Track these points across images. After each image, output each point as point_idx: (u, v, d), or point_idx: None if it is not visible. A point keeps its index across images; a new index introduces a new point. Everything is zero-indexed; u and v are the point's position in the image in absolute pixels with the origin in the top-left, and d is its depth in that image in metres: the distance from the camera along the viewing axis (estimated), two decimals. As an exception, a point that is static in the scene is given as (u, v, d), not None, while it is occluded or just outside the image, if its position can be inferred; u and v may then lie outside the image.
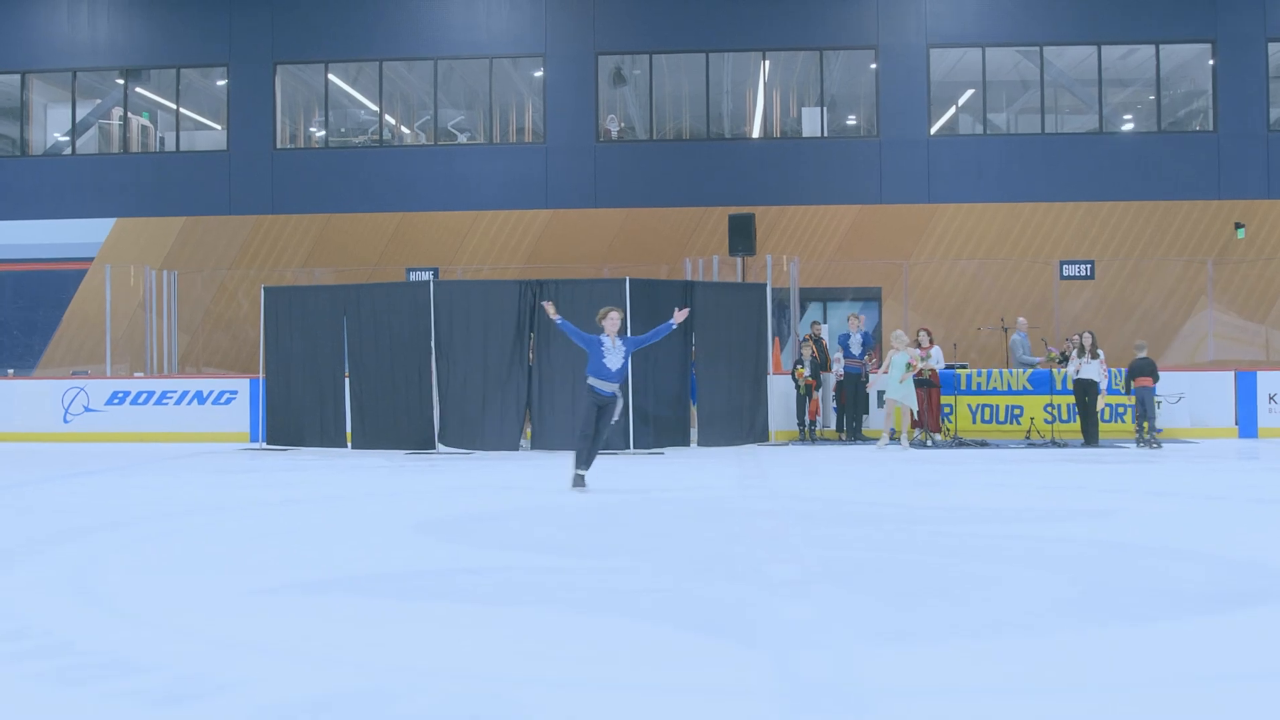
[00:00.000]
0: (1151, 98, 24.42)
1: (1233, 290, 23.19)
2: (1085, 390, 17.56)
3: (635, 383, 16.69)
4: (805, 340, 19.18)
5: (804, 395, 18.77)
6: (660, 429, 17.27)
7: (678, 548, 7.88)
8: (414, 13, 24.70)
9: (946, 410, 18.41)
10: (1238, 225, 22.91)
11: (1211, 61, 23.91)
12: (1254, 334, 23.04)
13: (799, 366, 18.71)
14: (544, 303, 12.28)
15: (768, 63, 24.74)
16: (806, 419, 18.77)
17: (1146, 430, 17.23)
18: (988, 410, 18.76)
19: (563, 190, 24.37)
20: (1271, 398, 19.01)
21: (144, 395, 20.44)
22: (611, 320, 11.58)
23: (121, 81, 25.63)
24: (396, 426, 17.45)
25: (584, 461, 11.36)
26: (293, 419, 18.10)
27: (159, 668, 4.69)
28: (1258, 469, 14.39)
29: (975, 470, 13.80)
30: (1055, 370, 18.57)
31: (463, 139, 25.50)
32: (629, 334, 15.26)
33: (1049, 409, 18.38)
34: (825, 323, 21.76)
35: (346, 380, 17.85)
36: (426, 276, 20.35)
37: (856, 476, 13.18)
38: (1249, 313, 23.18)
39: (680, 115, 25.66)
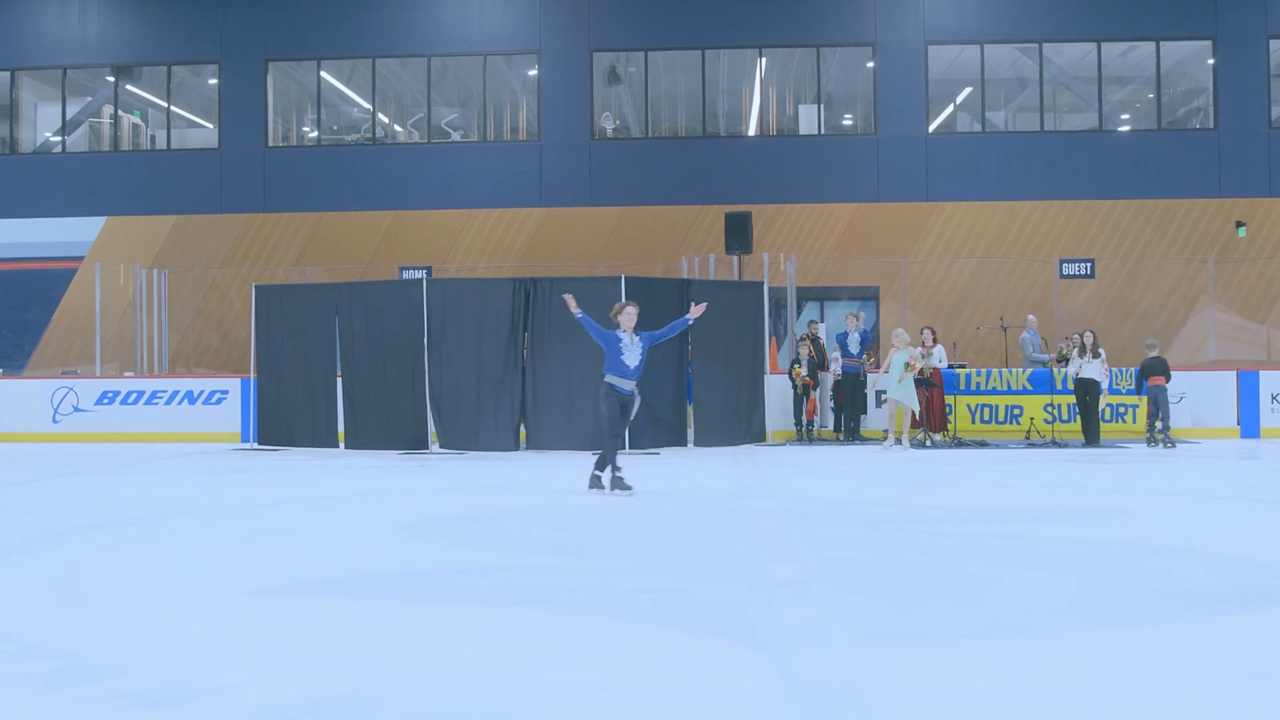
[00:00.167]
0: (1151, 95, 24.32)
1: (1233, 289, 23.08)
2: (1086, 390, 17.44)
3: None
4: (802, 339, 19.04)
5: (801, 395, 18.62)
6: (656, 429, 17.11)
7: (677, 548, 7.81)
8: (407, 9, 24.54)
9: (948, 408, 18.28)
10: (1239, 224, 22.82)
11: (1212, 59, 23.80)
12: (1255, 334, 22.93)
13: (796, 366, 18.56)
14: (565, 295, 11.79)
15: (764, 60, 24.61)
16: (804, 419, 18.63)
17: (1158, 431, 17.17)
18: (987, 410, 18.62)
19: (557, 188, 24.23)
20: (1274, 397, 18.92)
21: (134, 395, 20.29)
22: (628, 315, 11.10)
23: (112, 79, 25.46)
24: (389, 426, 17.31)
25: (613, 462, 10.91)
26: (284, 419, 17.96)
27: (145, 670, 4.63)
28: (1261, 469, 14.34)
29: (975, 470, 13.74)
30: (1055, 370, 18.44)
31: (456, 137, 25.35)
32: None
33: (1049, 409, 18.25)
34: (822, 322, 21.59)
35: (338, 380, 17.73)
36: (420, 275, 20.17)
37: (855, 477, 13.12)
38: (1250, 312, 23.07)
39: (676, 112, 25.52)
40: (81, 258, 24.50)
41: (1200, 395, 18.77)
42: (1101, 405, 17.56)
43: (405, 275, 21.73)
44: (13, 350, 24.37)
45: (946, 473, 13.38)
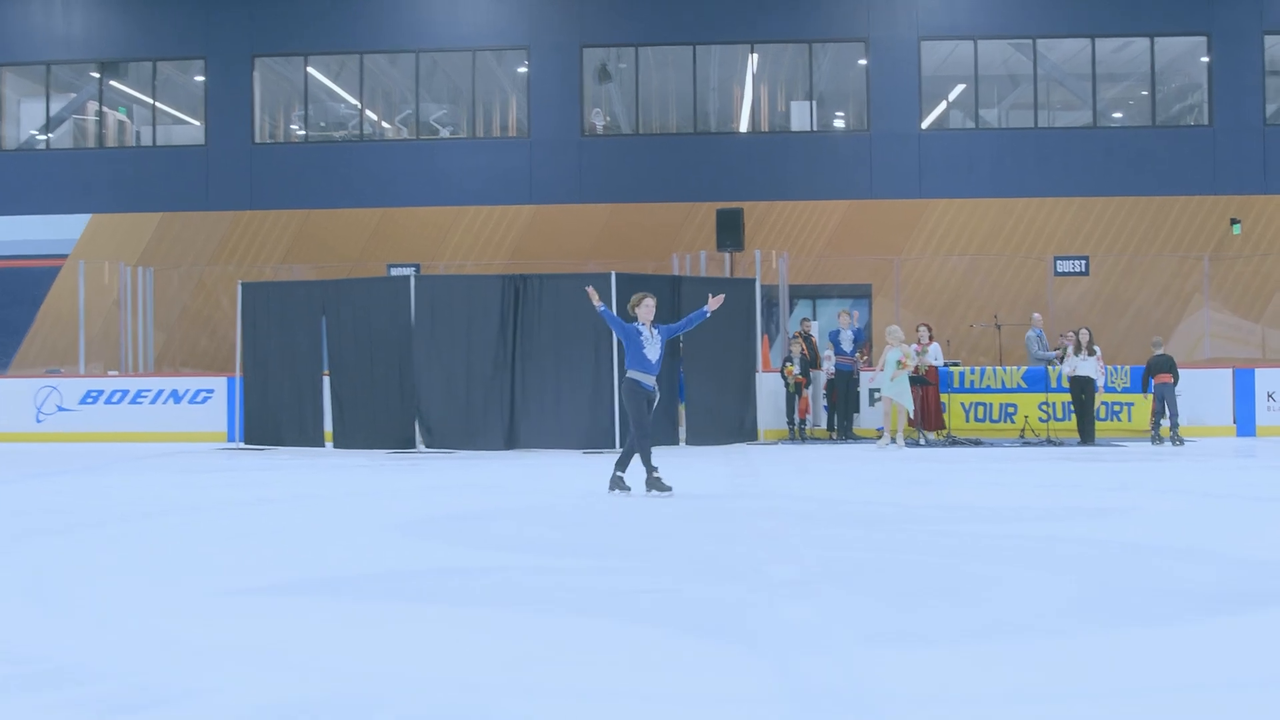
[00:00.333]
0: (1145, 92, 24.21)
1: (1228, 287, 22.97)
2: (1081, 388, 17.31)
3: (622, 381, 16.34)
4: (795, 337, 18.90)
5: (793, 393, 18.47)
6: (647, 427, 16.89)
7: (675, 548, 7.74)
8: (395, 5, 24.35)
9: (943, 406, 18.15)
10: (1233, 221, 22.73)
11: (1207, 55, 23.69)
12: (1249, 332, 22.83)
13: (788, 364, 18.41)
14: (587, 288, 11.44)
15: (756, 56, 24.44)
16: (796, 417, 18.48)
17: (1166, 429, 17.13)
18: (981, 408, 18.48)
19: (547, 185, 24.03)
20: (1270, 395, 18.84)
21: (118, 394, 20.08)
22: (647, 307, 10.71)
23: (97, 75, 25.21)
24: (377, 425, 17.13)
25: (648, 463, 10.45)
26: (271, 418, 17.79)
27: (115, 675, 4.48)
28: (1258, 467, 14.30)
29: (971, 469, 13.69)
30: (1050, 367, 18.30)
31: (445, 133, 25.14)
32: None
33: (1044, 407, 18.12)
34: (815, 320, 21.42)
35: (326, 378, 17.55)
36: (408, 273, 19.96)
37: (850, 475, 13.07)
38: (1244, 310, 22.97)
39: (667, 109, 25.36)
40: (66, 255, 24.25)
41: (1196, 393, 18.65)
42: (1097, 403, 17.44)
43: (394, 273, 21.52)
44: (-4, 349, 24.15)
45: (942, 472, 13.32)
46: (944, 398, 18.19)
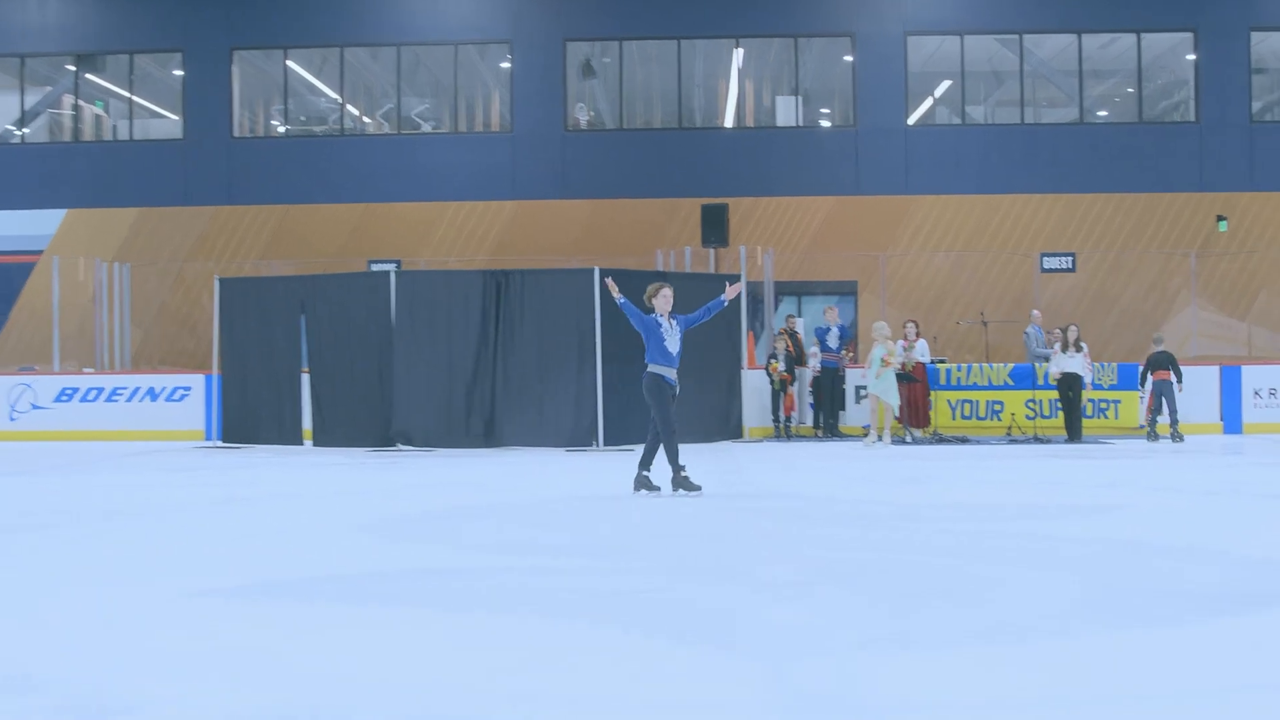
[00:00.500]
0: (1132, 89, 24.15)
1: (1215, 284, 22.93)
2: (1069, 385, 17.20)
3: (605, 378, 16.18)
4: (780, 334, 18.75)
5: (779, 390, 18.32)
6: (630, 425, 16.68)
7: (667, 548, 7.60)
8: (377, -2, 24.11)
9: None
10: (1220, 218, 22.68)
11: (1193, 52, 23.64)
12: (1235, 330, 22.79)
13: (773, 361, 18.27)
14: (606, 280, 11.01)
15: (741, 50, 24.28)
16: (781, 415, 18.33)
17: (1163, 426, 17.15)
18: (967, 406, 18.36)
19: (530, 181, 23.82)
20: (1256, 393, 18.84)
21: (93, 392, 19.82)
22: (664, 298, 10.31)
23: (73, 68, 24.90)
24: (356, 422, 16.95)
25: (675, 462, 10.10)
26: (249, 415, 17.57)
27: (76, 681, 4.25)
28: (1247, 464, 14.29)
29: (961, 467, 13.59)
30: (1037, 364, 18.18)
31: (427, 128, 24.91)
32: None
33: (1030, 404, 17.98)
34: (800, 316, 21.25)
35: (305, 375, 17.35)
36: (389, 269, 19.73)
37: (838, 473, 12.99)
38: (1230, 307, 22.93)
39: (651, 104, 25.19)
40: (41, 251, 23.93)
41: (1184, 390, 18.56)
42: (1084, 400, 17.34)
43: (374, 269, 21.28)
44: (-31, 346, 23.79)
45: (931, 469, 13.22)
46: (930, 395, 18.05)
